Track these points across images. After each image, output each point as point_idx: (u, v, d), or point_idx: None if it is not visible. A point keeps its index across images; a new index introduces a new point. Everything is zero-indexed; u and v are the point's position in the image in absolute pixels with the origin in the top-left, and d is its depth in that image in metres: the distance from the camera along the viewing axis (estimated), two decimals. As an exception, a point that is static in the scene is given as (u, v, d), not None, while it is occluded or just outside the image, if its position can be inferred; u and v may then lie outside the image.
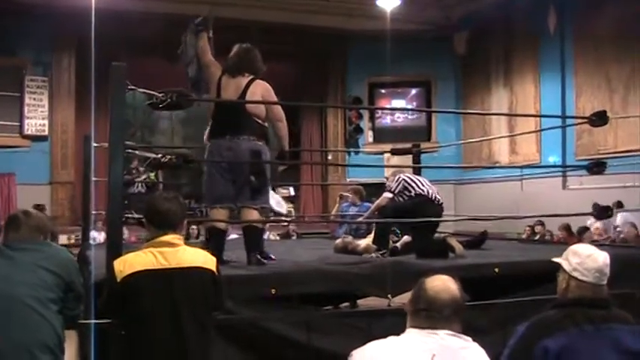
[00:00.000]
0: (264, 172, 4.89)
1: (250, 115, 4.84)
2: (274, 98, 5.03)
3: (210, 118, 5.09)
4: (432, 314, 2.38)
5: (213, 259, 3.21)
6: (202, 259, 3.15)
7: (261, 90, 4.92)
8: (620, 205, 10.27)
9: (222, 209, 4.85)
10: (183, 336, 2.99)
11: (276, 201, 5.78)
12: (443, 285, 2.43)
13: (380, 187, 6.34)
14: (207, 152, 4.96)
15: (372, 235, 5.96)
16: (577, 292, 2.75)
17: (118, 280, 3.01)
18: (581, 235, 9.53)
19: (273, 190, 6.17)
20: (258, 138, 4.86)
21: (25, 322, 2.98)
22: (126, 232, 7.91)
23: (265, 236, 10.42)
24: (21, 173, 13.39)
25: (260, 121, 4.90)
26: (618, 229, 10.04)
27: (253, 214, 4.89)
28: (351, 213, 8.88)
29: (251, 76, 4.95)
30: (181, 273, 3.04)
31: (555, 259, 2.87)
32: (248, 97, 4.86)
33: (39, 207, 9.89)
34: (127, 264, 3.04)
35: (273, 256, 4.99)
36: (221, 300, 3.31)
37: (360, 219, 7.27)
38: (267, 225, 10.65)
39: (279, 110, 5.02)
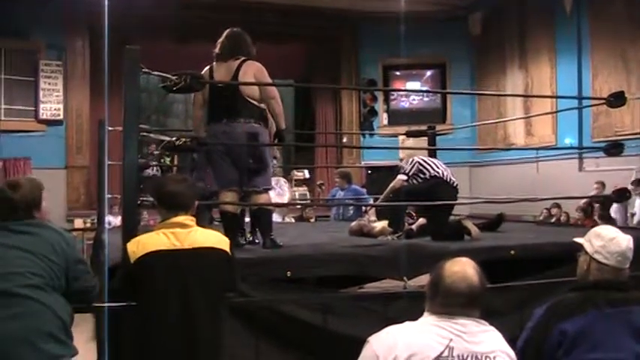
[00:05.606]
0: (262, 154, 4.82)
1: (245, 97, 4.73)
2: (267, 77, 4.87)
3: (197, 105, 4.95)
4: (448, 302, 2.35)
5: (227, 240, 3.23)
6: (215, 239, 3.17)
7: (252, 70, 4.79)
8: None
9: (230, 192, 4.81)
10: (194, 316, 3.01)
11: (276, 192, 5.69)
12: (461, 272, 2.36)
13: (395, 170, 6.30)
14: (206, 138, 4.86)
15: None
16: (598, 274, 2.72)
17: (132, 261, 3.04)
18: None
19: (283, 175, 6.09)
20: (256, 120, 4.78)
21: (21, 312, 2.84)
22: (146, 215, 7.92)
23: (280, 219, 10.51)
24: (36, 158, 13.39)
25: (256, 103, 4.78)
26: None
27: (261, 198, 4.87)
28: (338, 197, 8.90)
29: (242, 58, 4.84)
30: (193, 254, 3.05)
31: (577, 240, 2.84)
32: (240, 79, 4.74)
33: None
34: (140, 245, 3.07)
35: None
36: (234, 281, 3.34)
37: (377, 201, 7.23)
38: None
39: (271, 88, 4.90)
